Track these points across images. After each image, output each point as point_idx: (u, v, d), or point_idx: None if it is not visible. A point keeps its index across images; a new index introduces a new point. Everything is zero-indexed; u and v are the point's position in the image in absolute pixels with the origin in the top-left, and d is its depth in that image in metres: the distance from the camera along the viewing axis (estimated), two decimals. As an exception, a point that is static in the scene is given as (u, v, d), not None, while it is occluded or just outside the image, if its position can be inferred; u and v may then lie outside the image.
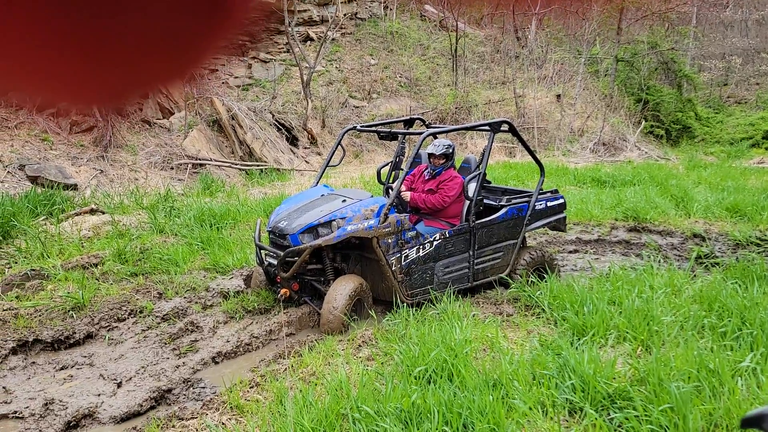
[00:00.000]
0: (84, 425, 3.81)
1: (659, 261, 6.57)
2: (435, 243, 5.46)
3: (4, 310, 5.26)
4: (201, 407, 3.80)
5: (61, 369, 4.55)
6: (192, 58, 0.40)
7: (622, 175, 13.16)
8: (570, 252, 7.82)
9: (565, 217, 6.58)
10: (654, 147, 20.89)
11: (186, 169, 13.46)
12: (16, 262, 6.63)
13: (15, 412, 3.87)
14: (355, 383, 3.68)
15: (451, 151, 5.80)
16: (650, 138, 22.11)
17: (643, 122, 21.83)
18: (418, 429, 2.94)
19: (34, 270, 6.32)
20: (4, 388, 4.23)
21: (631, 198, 10.10)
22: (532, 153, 6.23)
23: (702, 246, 7.69)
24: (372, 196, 5.55)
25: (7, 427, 3.76)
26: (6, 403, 4.02)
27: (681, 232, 8.58)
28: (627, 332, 4.28)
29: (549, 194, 6.46)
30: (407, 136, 6.57)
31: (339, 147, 6.30)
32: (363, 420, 3.11)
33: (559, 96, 21.85)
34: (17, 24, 0.32)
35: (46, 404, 3.92)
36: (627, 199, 10.07)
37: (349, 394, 3.43)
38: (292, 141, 17.00)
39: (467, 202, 5.73)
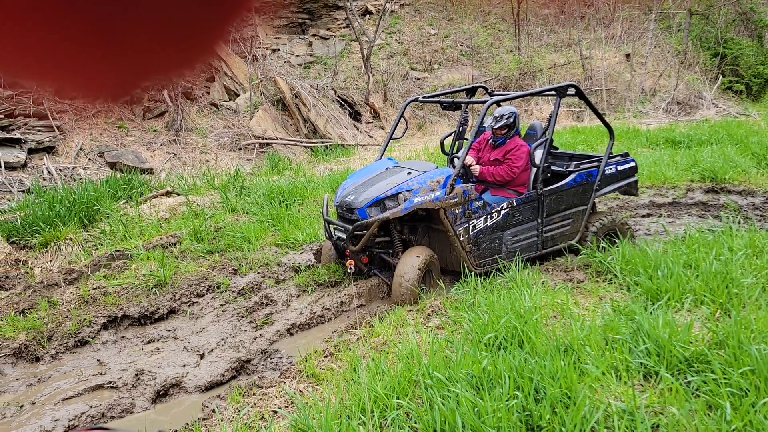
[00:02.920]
0: (172, 394, 4.05)
1: (739, 222, 6.29)
2: (502, 212, 5.41)
3: (93, 289, 5.61)
4: (279, 376, 3.97)
5: (149, 342, 4.84)
6: (203, 47, 0.39)
7: (698, 135, 12.57)
8: (643, 216, 7.59)
9: (636, 181, 6.37)
10: (733, 103, 19.79)
11: (253, 149, 13.79)
12: (101, 244, 7.03)
13: (109, 383, 4.16)
14: (425, 351, 3.75)
15: (512, 120, 5.68)
16: (728, 94, 20.92)
17: (721, 78, 20.66)
18: (489, 394, 2.98)
19: (118, 251, 6.68)
20: (98, 360, 4.54)
21: (708, 158, 9.66)
22: (600, 116, 6.03)
23: (787, 205, 7.30)
24: (437, 168, 5.54)
25: (103, 396, 4.04)
26: (101, 374, 4.32)
27: (763, 192, 8.16)
28: (704, 296, 4.14)
29: (619, 158, 6.27)
30: (470, 105, 6.49)
31: (402, 119, 6.31)
32: (435, 386, 3.17)
33: (628, 55, 20.97)
34: (31, 14, 0.32)
35: (136, 375, 4.19)
36: (704, 159, 9.63)
37: (420, 362, 3.49)
38: (355, 116, 17.10)
39: (534, 170, 5.63)
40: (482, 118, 5.69)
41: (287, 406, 3.48)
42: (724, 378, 2.99)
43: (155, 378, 4.18)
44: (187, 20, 0.36)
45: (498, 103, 6.07)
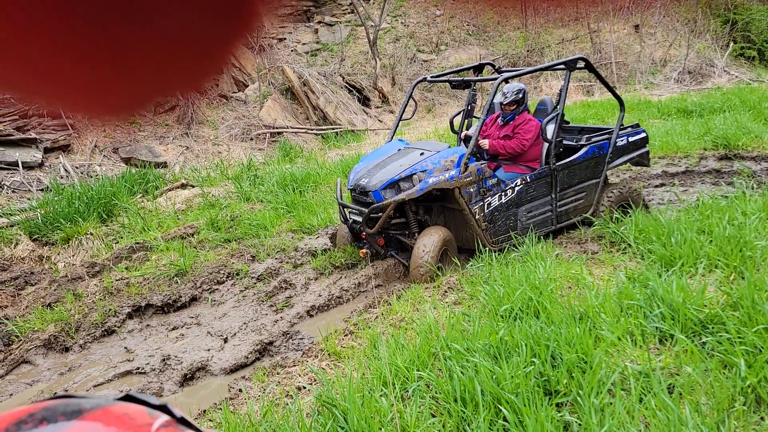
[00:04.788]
0: (198, 377, 4.17)
1: (752, 187, 6.28)
2: (517, 188, 5.45)
3: (117, 280, 5.74)
4: (301, 356, 4.07)
5: (173, 329, 4.96)
6: (214, 63, 0.39)
7: (711, 103, 12.46)
8: (656, 186, 7.59)
9: (648, 152, 6.37)
10: (745, 70, 19.52)
11: (264, 138, 13.87)
12: (121, 237, 7.16)
13: (138, 368, 4.29)
14: (443, 325, 3.82)
15: (521, 95, 5.70)
16: (741, 61, 20.61)
17: (732, 44, 20.36)
18: (507, 362, 3.05)
19: (138, 243, 6.81)
20: (125, 348, 4.67)
21: (721, 125, 9.59)
22: (610, 88, 6.03)
23: (801, 169, 7.26)
24: (449, 147, 5.57)
25: (133, 381, 4.17)
26: (129, 361, 4.45)
27: (777, 157, 8.11)
28: (718, 260, 4.17)
29: (630, 129, 6.27)
30: (477, 83, 6.50)
31: (411, 100, 6.34)
32: (453, 357, 3.24)
33: (637, 26, 20.73)
34: (38, 32, 0.31)
35: (163, 360, 4.31)
36: (716, 127, 9.56)
37: (438, 335, 3.57)
38: (364, 101, 17.11)
39: (546, 145, 5.65)
40: (493, 96, 5.70)
41: (311, 383, 3.58)
42: (739, 337, 3.04)
43: (181, 362, 4.30)
44: (196, 38, 0.36)
45: (506, 80, 6.08)
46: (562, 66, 5.73)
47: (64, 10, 0.31)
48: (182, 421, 0.56)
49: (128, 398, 0.57)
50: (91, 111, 0.37)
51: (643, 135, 6.29)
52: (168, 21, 0.34)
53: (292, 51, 18.74)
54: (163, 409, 0.56)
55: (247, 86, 15.69)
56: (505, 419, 2.71)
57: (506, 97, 5.68)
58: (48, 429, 0.47)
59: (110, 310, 5.12)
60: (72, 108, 0.36)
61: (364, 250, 5.52)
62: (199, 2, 0.34)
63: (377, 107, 17.28)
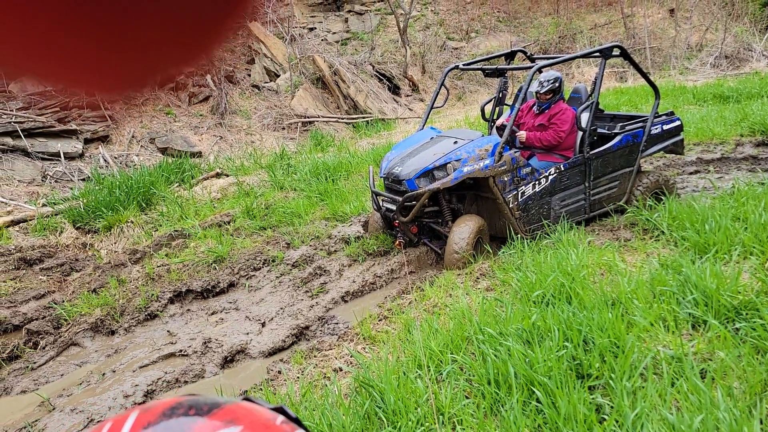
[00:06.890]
0: (238, 359, 4.33)
1: (790, 174, 6.18)
2: (550, 177, 5.46)
3: (158, 266, 5.93)
4: (337, 340, 4.19)
5: (212, 314, 5.13)
6: (210, 41, 0.39)
7: (748, 89, 12.18)
8: (690, 173, 7.50)
9: (682, 140, 6.31)
10: (785, 54, 19.00)
11: (296, 127, 14.03)
12: (161, 225, 7.38)
13: (181, 351, 4.46)
14: (476, 311, 3.89)
15: (558, 84, 5.69)
16: (781, 45, 20.07)
17: (772, 28, 19.83)
18: (539, 346, 3.11)
19: (176, 231, 7.01)
20: (168, 331, 4.86)
21: (759, 111, 9.39)
22: (645, 76, 5.96)
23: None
24: (483, 136, 5.60)
25: (176, 362, 4.34)
26: (172, 343, 4.63)
27: (817, 143, 7.94)
28: (753, 247, 4.15)
29: (664, 117, 6.22)
30: (508, 71, 6.50)
31: (442, 87, 6.35)
32: (486, 341, 3.32)
33: (672, 10, 20.31)
34: (35, 10, 0.31)
35: (204, 343, 4.48)
36: (754, 113, 9.37)
37: (471, 320, 3.64)
38: (394, 90, 17.15)
39: (580, 134, 5.64)
40: (528, 85, 5.67)
41: (348, 366, 3.69)
42: (773, 323, 3.05)
43: (222, 345, 4.46)
44: (192, 16, 0.36)
45: (539, 70, 6.07)
46: (597, 54, 5.70)
47: None
48: (296, 421, 0.63)
49: (246, 400, 0.64)
50: (89, 87, 0.38)
51: (677, 123, 6.24)
52: (163, 1, 0.35)
53: (322, 40, 18.84)
54: (280, 410, 0.63)
55: (279, 76, 15.86)
56: (538, 401, 2.78)
57: (543, 87, 5.68)
58: (196, 416, 0.55)
59: (152, 295, 5.31)
60: (69, 85, 0.37)
61: (399, 242, 5.60)
62: None
63: (407, 96, 17.31)
